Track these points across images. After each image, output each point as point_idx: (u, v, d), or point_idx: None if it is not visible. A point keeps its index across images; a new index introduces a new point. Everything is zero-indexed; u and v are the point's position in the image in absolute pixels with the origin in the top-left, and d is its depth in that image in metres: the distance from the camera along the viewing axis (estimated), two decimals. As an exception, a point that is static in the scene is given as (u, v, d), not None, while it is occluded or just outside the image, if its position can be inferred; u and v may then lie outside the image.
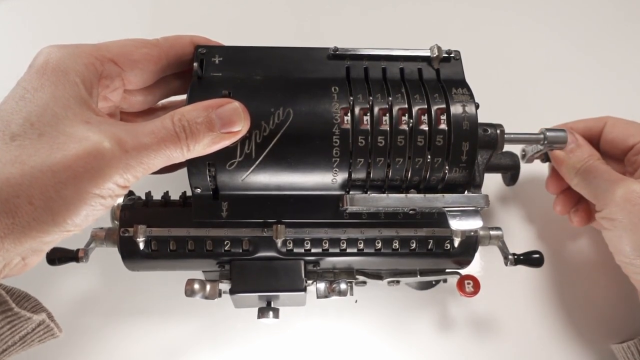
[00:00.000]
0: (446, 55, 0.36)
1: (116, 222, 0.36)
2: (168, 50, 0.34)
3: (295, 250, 0.36)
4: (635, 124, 0.42)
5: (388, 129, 0.33)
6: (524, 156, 0.43)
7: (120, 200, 0.37)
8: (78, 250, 0.36)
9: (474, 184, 0.37)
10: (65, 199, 0.26)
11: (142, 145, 0.28)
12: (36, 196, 0.25)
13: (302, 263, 0.36)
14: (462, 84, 0.35)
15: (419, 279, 0.39)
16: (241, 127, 0.31)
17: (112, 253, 0.37)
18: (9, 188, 0.25)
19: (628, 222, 0.36)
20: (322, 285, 0.37)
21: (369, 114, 0.33)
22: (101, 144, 0.27)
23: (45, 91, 0.28)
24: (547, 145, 0.39)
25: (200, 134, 0.29)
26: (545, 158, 0.43)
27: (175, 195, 0.38)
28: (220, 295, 0.36)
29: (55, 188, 0.26)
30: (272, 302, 0.37)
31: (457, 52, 0.37)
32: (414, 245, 0.37)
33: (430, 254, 0.37)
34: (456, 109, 0.34)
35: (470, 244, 0.37)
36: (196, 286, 0.35)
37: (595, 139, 0.43)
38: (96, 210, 0.28)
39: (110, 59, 0.31)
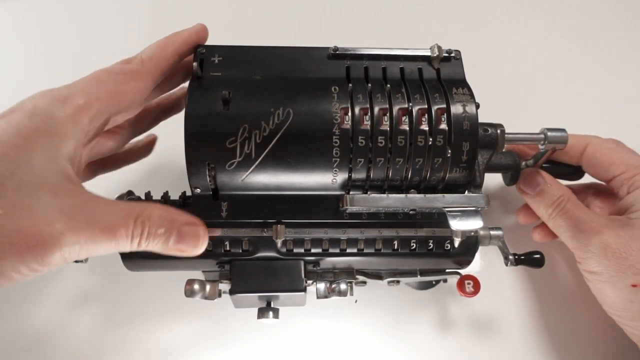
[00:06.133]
0: (446, 54, 0.36)
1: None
2: (154, 72, 0.33)
3: (295, 250, 0.36)
4: (617, 150, 0.40)
5: (388, 129, 0.33)
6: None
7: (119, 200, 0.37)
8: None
9: (474, 184, 0.37)
10: (1, 272, 0.25)
11: (96, 238, 0.27)
12: None
13: (302, 263, 0.36)
14: (462, 83, 0.35)
15: (419, 279, 0.39)
16: (191, 254, 0.31)
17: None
18: None
19: (607, 275, 0.36)
20: (322, 286, 0.37)
21: (369, 114, 0.33)
22: (56, 232, 0.26)
23: (23, 152, 0.27)
24: (548, 144, 0.39)
25: (152, 241, 0.29)
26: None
27: (174, 195, 0.38)
28: (220, 296, 0.36)
29: None
30: (272, 302, 0.37)
31: (458, 52, 0.36)
32: (414, 245, 0.37)
33: (430, 254, 0.37)
34: (456, 109, 0.33)
35: (471, 244, 0.37)
36: (196, 286, 0.35)
37: (575, 158, 0.42)
38: (27, 278, 0.27)
39: (100, 109, 0.30)
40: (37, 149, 0.27)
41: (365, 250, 0.36)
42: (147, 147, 0.42)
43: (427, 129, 0.33)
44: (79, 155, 0.30)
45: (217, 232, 0.35)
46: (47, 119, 0.28)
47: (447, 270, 0.40)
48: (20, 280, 0.27)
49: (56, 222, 0.26)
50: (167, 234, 0.30)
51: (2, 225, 0.25)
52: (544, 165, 0.43)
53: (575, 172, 0.44)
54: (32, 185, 0.26)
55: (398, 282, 0.39)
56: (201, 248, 0.31)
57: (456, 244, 0.36)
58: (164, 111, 0.40)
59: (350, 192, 0.35)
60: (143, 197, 0.38)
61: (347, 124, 0.33)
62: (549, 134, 0.37)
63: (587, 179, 0.44)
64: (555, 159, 0.43)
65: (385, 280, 0.39)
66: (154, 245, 0.30)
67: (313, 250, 0.36)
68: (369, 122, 0.33)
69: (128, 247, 0.29)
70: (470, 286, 0.39)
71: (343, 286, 0.36)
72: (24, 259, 0.26)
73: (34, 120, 0.27)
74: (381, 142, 0.33)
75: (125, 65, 0.32)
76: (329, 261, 0.37)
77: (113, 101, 0.31)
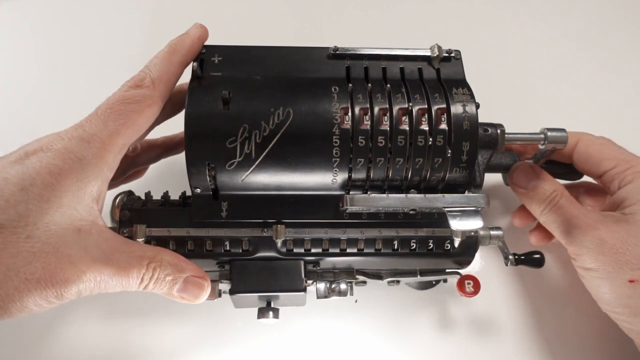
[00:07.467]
0: (446, 54, 0.36)
1: (116, 222, 0.36)
2: (164, 92, 0.33)
3: (295, 250, 0.36)
4: (608, 146, 0.40)
5: (388, 129, 0.33)
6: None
7: (119, 199, 0.37)
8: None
9: (474, 184, 0.37)
10: (23, 305, 0.27)
11: (110, 277, 0.29)
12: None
13: (302, 263, 0.36)
14: (462, 83, 0.35)
15: (419, 279, 0.39)
16: (192, 302, 0.33)
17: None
18: None
19: (603, 271, 0.36)
20: (322, 286, 0.37)
21: (369, 114, 0.33)
22: (78, 270, 0.28)
23: (56, 192, 0.28)
24: (548, 144, 0.39)
25: (158, 285, 0.31)
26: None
27: (175, 195, 0.38)
28: (220, 295, 0.36)
29: (20, 295, 0.26)
30: (272, 302, 0.37)
31: (458, 52, 0.36)
32: (414, 245, 0.37)
33: (430, 254, 0.37)
34: (456, 109, 0.33)
35: (471, 244, 0.37)
36: (196, 286, 0.35)
37: (566, 154, 0.42)
38: (43, 310, 0.28)
39: (123, 144, 0.31)
40: (68, 190, 0.28)
41: (365, 250, 0.36)
42: (140, 173, 0.43)
43: (427, 129, 0.33)
44: (103, 192, 0.31)
45: (217, 232, 0.35)
46: (77, 160, 0.29)
47: (447, 270, 0.40)
48: (36, 312, 0.28)
49: (79, 261, 0.28)
50: (174, 281, 0.32)
51: (30, 263, 0.26)
52: (542, 165, 0.43)
53: (574, 171, 0.44)
54: (60, 224, 0.28)
55: (398, 282, 0.39)
56: (202, 299, 0.33)
57: (456, 244, 0.36)
58: (168, 150, 0.41)
59: (350, 192, 0.35)
60: (143, 197, 0.38)
61: (347, 124, 0.33)
62: (549, 133, 0.37)
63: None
64: (550, 157, 0.43)
65: (385, 280, 0.39)
66: (159, 289, 0.32)
67: (313, 250, 0.36)
68: (369, 122, 0.33)
69: (135, 288, 0.31)
70: (470, 286, 0.39)
71: (343, 286, 0.36)
72: (46, 295, 0.27)
73: (66, 162, 0.29)
74: (381, 142, 0.33)
75: (138, 90, 0.32)
76: (329, 261, 0.37)
77: (132, 133, 0.31)
